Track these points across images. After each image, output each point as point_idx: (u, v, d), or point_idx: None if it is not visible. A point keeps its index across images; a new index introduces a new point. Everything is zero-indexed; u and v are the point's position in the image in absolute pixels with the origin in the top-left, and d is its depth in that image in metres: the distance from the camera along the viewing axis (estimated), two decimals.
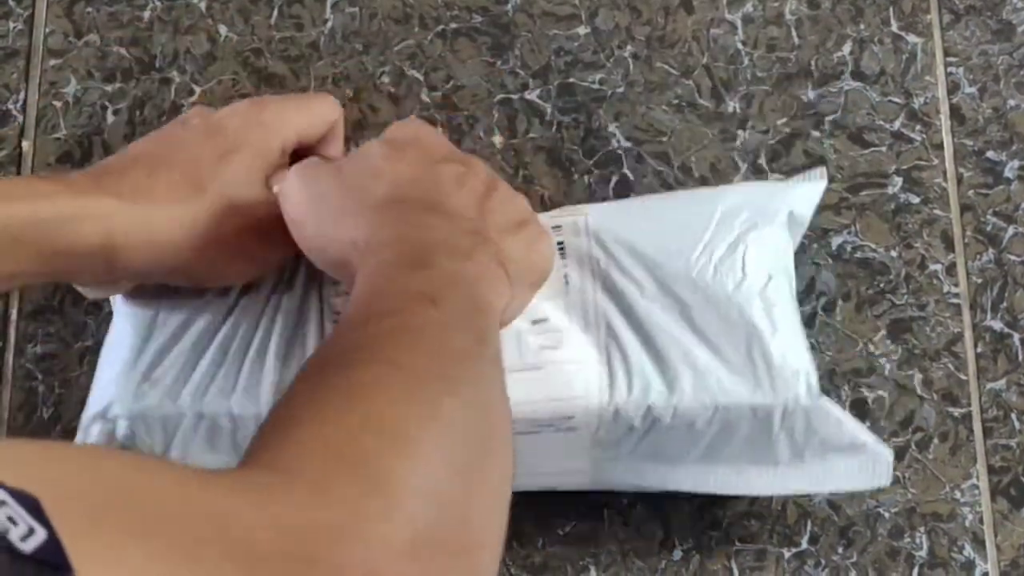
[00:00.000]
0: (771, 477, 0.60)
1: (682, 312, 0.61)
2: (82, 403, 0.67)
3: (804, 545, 0.65)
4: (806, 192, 0.64)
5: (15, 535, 0.31)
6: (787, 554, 0.65)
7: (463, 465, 0.44)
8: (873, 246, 0.69)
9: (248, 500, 0.39)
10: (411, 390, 0.44)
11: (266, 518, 0.38)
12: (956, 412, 0.67)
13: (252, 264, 0.60)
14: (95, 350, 0.66)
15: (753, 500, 0.65)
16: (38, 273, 0.56)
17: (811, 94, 0.72)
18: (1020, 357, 0.68)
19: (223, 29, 0.74)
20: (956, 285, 0.69)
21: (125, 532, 0.34)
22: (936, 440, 0.66)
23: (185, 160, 0.57)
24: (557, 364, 0.60)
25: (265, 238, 0.58)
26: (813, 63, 0.72)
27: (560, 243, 0.62)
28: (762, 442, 0.60)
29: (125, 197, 0.54)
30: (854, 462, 0.60)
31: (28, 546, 0.31)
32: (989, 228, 0.70)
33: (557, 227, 0.62)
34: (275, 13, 0.74)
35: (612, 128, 0.71)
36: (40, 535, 0.31)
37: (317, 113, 0.63)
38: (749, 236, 0.61)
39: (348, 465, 0.41)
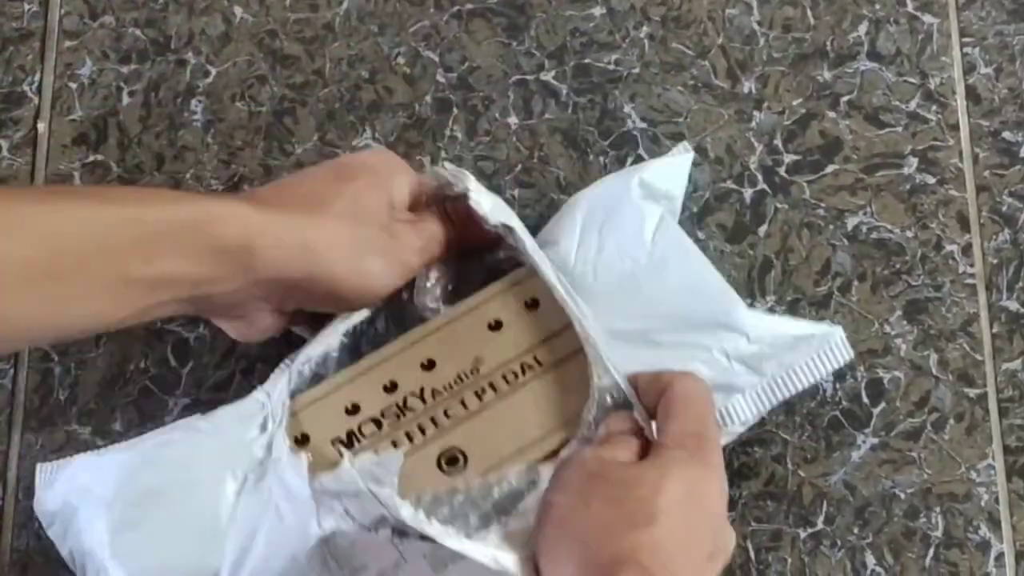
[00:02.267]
0: (750, 402, 0.62)
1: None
2: (99, 384, 0.68)
3: (820, 525, 0.65)
4: (661, 166, 0.67)
5: None
6: (803, 534, 0.65)
7: None
8: (889, 227, 0.69)
9: None
10: None
11: None
12: (972, 392, 0.67)
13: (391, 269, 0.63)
14: (112, 333, 0.66)
15: (768, 480, 0.65)
16: (185, 279, 0.57)
17: (827, 74, 0.72)
18: None
19: (238, 10, 0.74)
20: (972, 265, 0.69)
21: None
22: (952, 421, 0.67)
23: (309, 181, 0.62)
24: None
25: (376, 258, 0.61)
26: (829, 43, 0.72)
27: None
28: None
29: (256, 204, 0.58)
30: (813, 353, 0.62)
31: None
32: (1005, 208, 0.70)
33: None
34: None
35: (627, 109, 0.71)
36: None
37: (413, 188, 0.65)
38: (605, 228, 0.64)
39: None
